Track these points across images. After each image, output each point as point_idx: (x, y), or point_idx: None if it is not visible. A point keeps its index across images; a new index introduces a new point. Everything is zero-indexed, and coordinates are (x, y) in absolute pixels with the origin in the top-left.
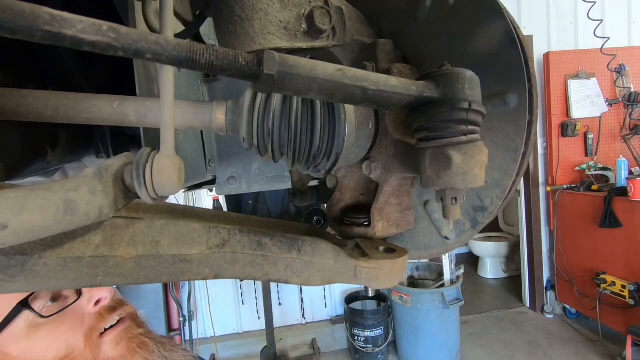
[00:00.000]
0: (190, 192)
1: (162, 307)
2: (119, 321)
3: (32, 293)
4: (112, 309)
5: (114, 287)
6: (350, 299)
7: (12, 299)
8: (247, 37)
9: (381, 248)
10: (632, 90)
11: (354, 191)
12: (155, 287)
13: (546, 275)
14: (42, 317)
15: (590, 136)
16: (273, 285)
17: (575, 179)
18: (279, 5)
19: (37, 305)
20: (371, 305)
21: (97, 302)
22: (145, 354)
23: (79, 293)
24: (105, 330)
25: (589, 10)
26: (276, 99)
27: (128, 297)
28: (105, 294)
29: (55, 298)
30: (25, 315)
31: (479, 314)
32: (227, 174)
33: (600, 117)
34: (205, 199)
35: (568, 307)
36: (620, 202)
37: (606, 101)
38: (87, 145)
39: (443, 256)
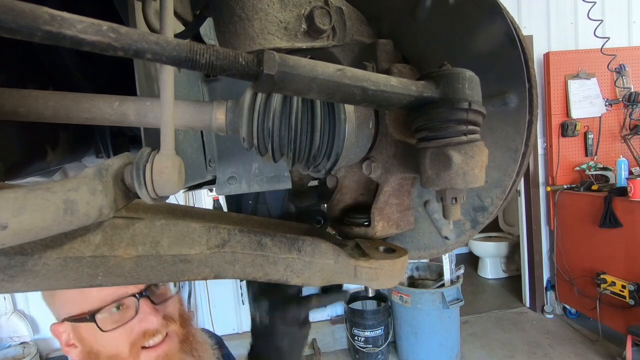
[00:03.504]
0: (190, 192)
1: None
2: (164, 339)
3: (101, 308)
4: (155, 332)
5: (176, 297)
6: (350, 299)
7: (87, 303)
8: (247, 37)
9: (381, 248)
10: (632, 90)
11: (354, 191)
12: None
13: (546, 275)
14: (103, 331)
15: (590, 136)
16: None
17: (575, 179)
18: (278, 5)
19: (103, 314)
20: (371, 305)
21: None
22: None
23: (136, 312)
24: (149, 345)
25: (589, 11)
26: (276, 98)
27: None
28: (154, 323)
29: (119, 306)
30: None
31: (479, 314)
32: (227, 174)
33: (600, 117)
34: (205, 199)
35: (568, 307)
36: (620, 202)
37: (606, 101)
38: (87, 145)
39: (443, 256)
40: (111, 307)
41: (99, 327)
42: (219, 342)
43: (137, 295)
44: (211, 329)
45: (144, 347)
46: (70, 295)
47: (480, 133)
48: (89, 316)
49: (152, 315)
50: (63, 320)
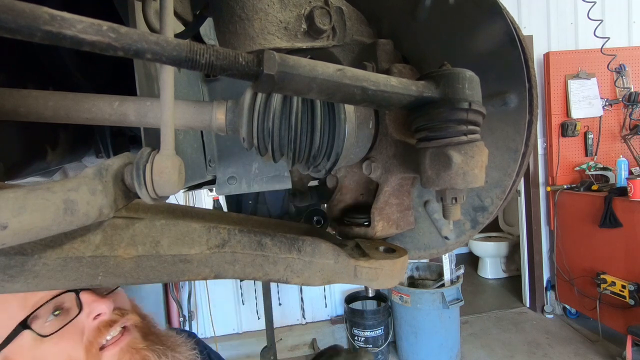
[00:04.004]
0: (190, 192)
1: (162, 307)
2: (122, 333)
3: (33, 312)
4: (111, 322)
5: (121, 290)
6: (350, 299)
7: (14, 318)
8: (247, 37)
9: (381, 248)
10: (632, 90)
11: (354, 191)
12: (155, 287)
13: (546, 275)
14: (43, 336)
15: (590, 136)
16: (273, 285)
17: (575, 179)
18: (278, 5)
19: (38, 322)
20: (371, 305)
21: (97, 317)
22: None
23: (80, 306)
24: (107, 341)
25: (589, 10)
26: (276, 98)
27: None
28: (104, 309)
29: (57, 310)
30: (28, 332)
31: (479, 314)
32: (227, 174)
33: (600, 117)
34: (205, 199)
35: (568, 307)
36: (620, 202)
37: (606, 101)
38: (87, 145)
39: (443, 256)
40: (46, 312)
41: (36, 333)
42: (197, 341)
43: (74, 290)
44: (211, 329)
45: (102, 348)
46: None
47: (480, 133)
48: (21, 325)
49: (100, 302)
50: None
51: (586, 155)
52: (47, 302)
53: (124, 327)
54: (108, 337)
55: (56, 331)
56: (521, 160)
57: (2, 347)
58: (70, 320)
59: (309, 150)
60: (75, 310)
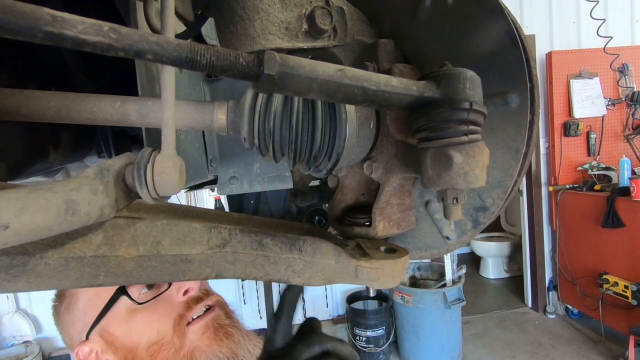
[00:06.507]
0: (191, 192)
1: None
2: (207, 310)
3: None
4: (198, 299)
5: None
6: (352, 298)
7: (109, 293)
8: (248, 37)
9: (382, 248)
10: (635, 89)
11: (355, 191)
12: None
13: (548, 275)
14: (138, 303)
15: (593, 136)
16: (274, 285)
17: (578, 178)
18: (280, 5)
19: (133, 292)
20: (373, 305)
21: (186, 292)
22: (231, 344)
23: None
24: (193, 319)
25: (592, 10)
26: (277, 99)
27: None
28: (192, 284)
29: (150, 284)
30: (124, 300)
31: (480, 314)
32: (229, 174)
33: (602, 116)
34: (206, 199)
35: (570, 307)
36: (622, 202)
37: (609, 100)
38: (89, 145)
39: (445, 256)
40: (140, 286)
41: (134, 300)
42: None
43: None
44: None
45: (188, 324)
46: (88, 295)
47: (482, 133)
48: (120, 290)
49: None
50: (88, 333)
51: (589, 155)
52: None
53: (208, 307)
54: (194, 316)
55: (150, 300)
56: (523, 160)
57: (105, 312)
58: (162, 292)
59: (310, 151)
60: (165, 285)
